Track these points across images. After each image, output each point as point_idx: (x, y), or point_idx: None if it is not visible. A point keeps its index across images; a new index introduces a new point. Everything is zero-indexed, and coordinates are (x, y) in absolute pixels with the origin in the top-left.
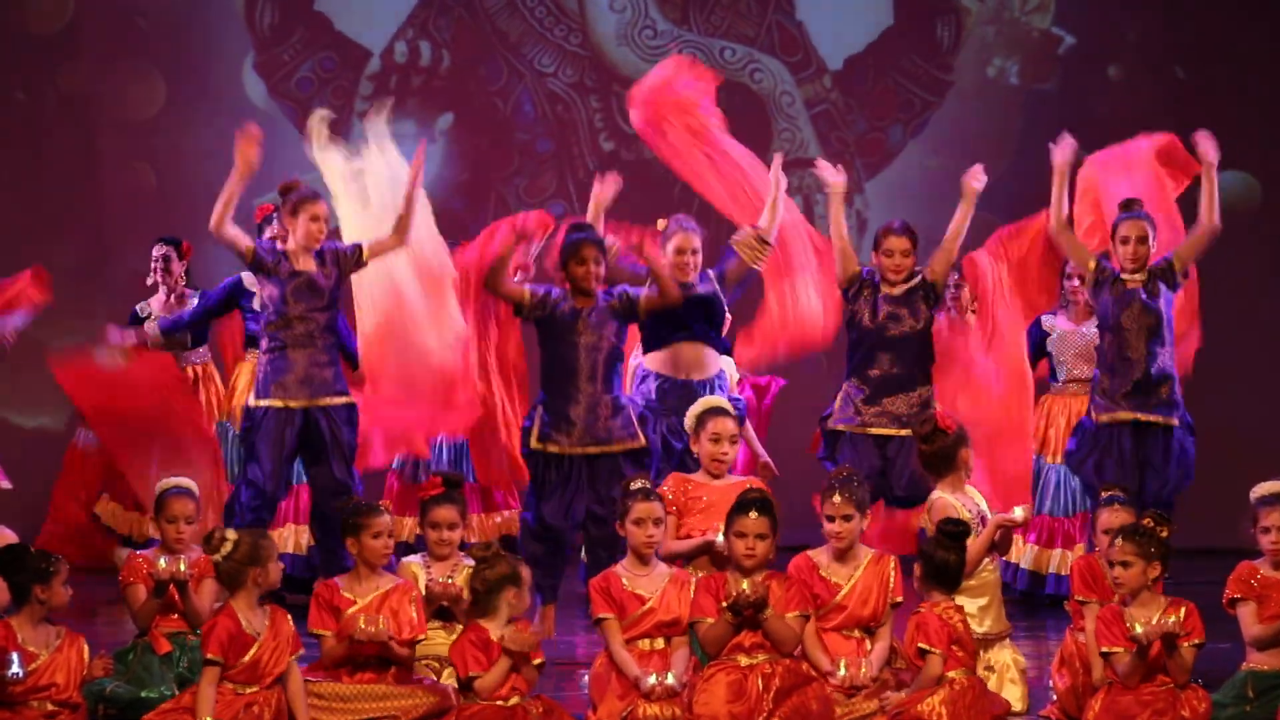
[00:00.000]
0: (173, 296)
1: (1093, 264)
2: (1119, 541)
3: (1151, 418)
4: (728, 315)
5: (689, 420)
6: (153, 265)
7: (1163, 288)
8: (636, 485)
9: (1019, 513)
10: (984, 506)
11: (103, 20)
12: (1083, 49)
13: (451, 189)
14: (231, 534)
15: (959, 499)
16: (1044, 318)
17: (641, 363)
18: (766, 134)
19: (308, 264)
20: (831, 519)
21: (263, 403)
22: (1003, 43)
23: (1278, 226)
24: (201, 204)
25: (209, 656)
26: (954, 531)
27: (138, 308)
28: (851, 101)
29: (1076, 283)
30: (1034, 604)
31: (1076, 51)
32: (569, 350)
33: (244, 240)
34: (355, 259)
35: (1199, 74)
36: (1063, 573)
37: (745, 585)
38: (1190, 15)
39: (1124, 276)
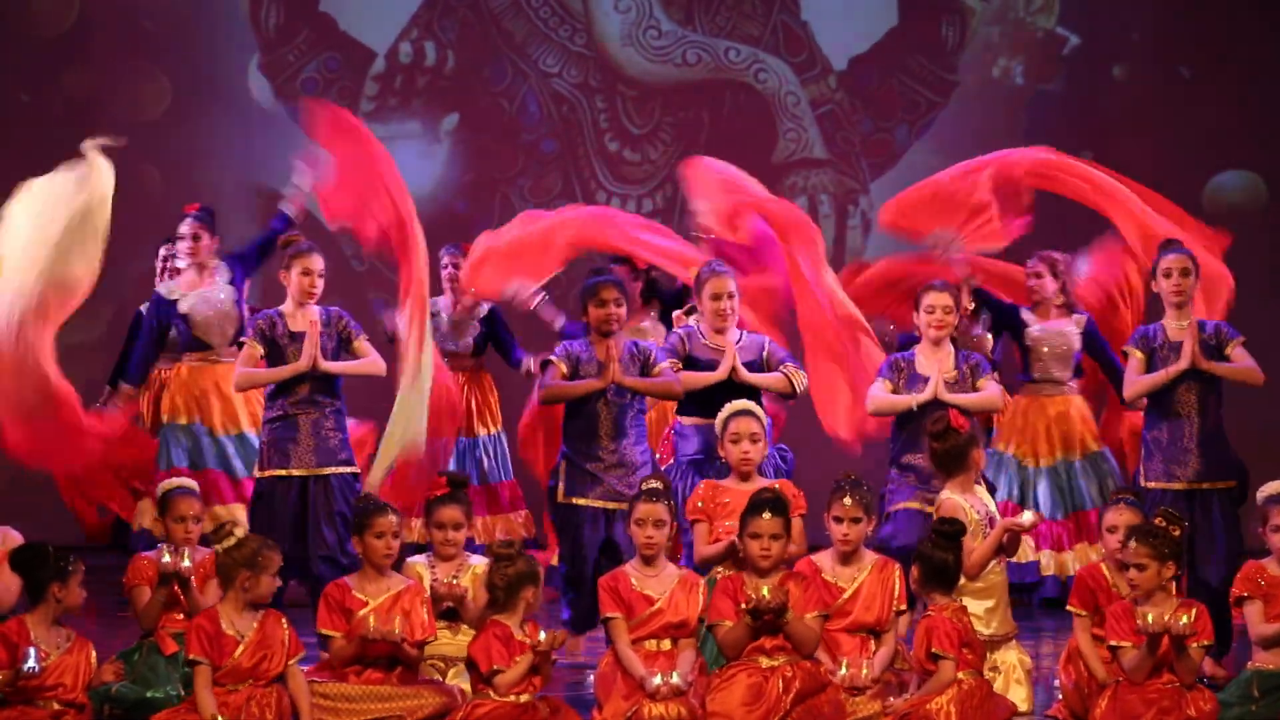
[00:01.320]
0: (203, 273)
1: (1139, 353)
2: (1133, 544)
3: (1217, 484)
4: None
5: (718, 426)
6: (179, 244)
7: (1209, 349)
8: (648, 486)
9: (1027, 517)
10: (992, 508)
11: (108, 22)
12: (1088, 49)
13: (456, 190)
14: (241, 531)
15: (968, 499)
16: (1024, 310)
17: (679, 422)
18: (771, 135)
19: (301, 324)
20: (840, 520)
21: (268, 472)
22: (1007, 43)
23: None
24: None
25: (188, 657)
26: (949, 531)
27: (163, 292)
28: (856, 102)
29: (1044, 280)
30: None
31: (1081, 51)
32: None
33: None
34: (347, 339)
35: (1205, 74)
36: (1052, 574)
37: (765, 590)
38: (1196, 14)
39: (1167, 327)
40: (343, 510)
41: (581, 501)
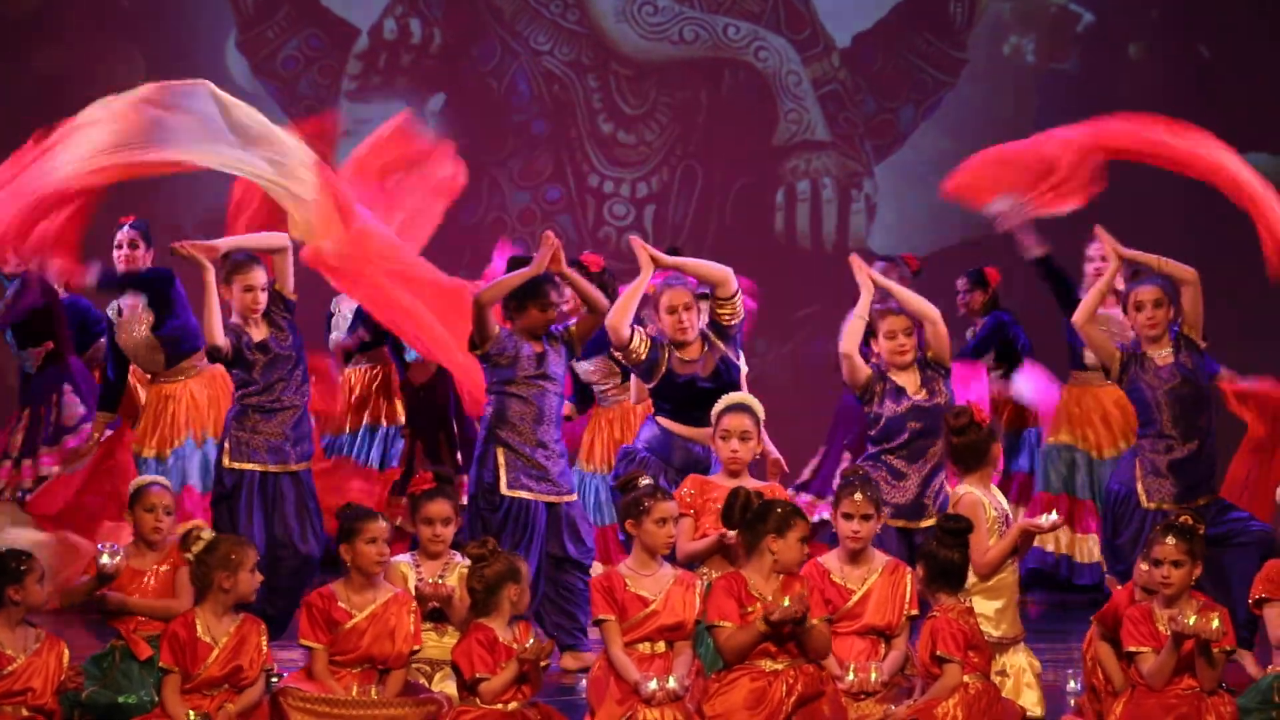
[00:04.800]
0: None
1: (1118, 355)
2: (1171, 540)
3: (1200, 501)
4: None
5: (712, 417)
6: (118, 253)
7: (1193, 357)
8: (646, 481)
9: (1045, 520)
10: (1006, 506)
11: None
12: (1102, 26)
13: None
14: (208, 534)
15: (987, 496)
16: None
17: (657, 419)
18: (772, 115)
19: (260, 333)
20: (850, 517)
21: (235, 465)
22: (1018, 20)
23: None
24: (181, 186)
25: (161, 665)
26: (954, 529)
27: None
28: (861, 81)
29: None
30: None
31: (1096, 29)
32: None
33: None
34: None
35: (1223, 52)
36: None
37: (787, 600)
38: None
39: (1149, 352)
40: (312, 507)
41: (530, 495)
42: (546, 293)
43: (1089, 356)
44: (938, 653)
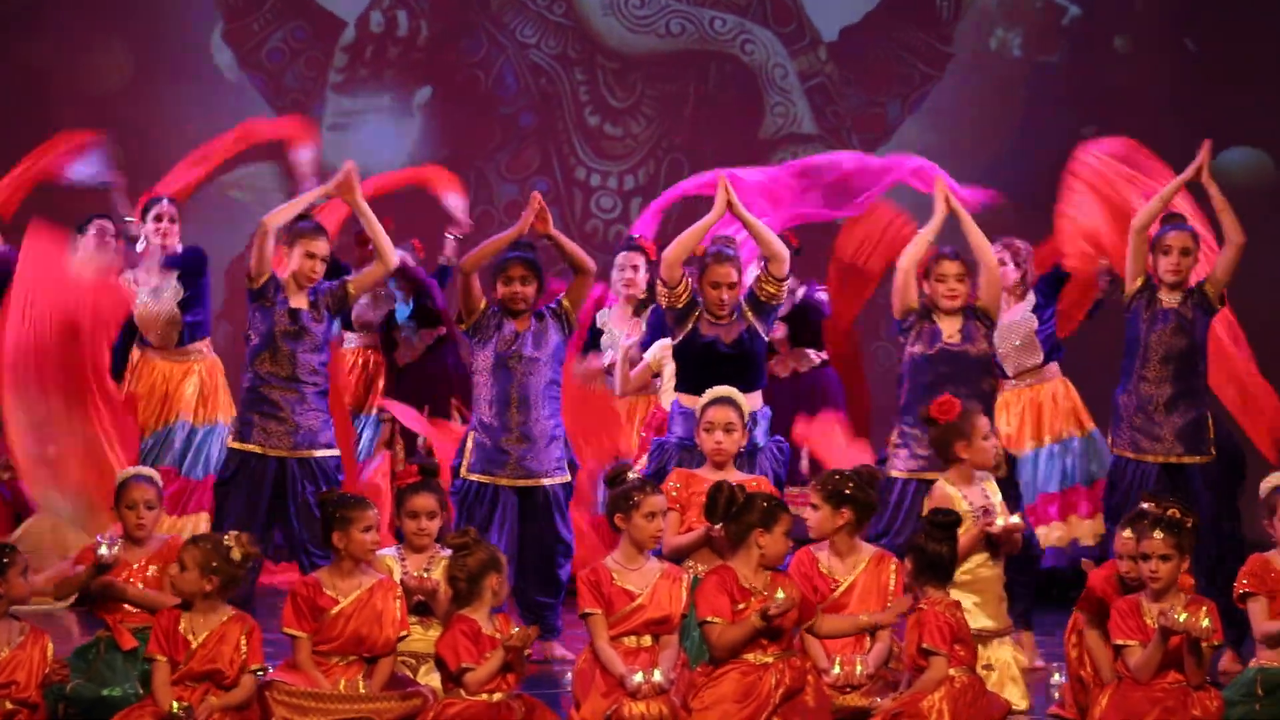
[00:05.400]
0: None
1: (1140, 281)
2: (1157, 534)
3: (1187, 459)
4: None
5: (696, 412)
6: (157, 225)
7: (1198, 313)
8: (635, 475)
9: (1000, 522)
10: (995, 501)
11: None
12: (1088, 20)
13: None
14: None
15: (963, 490)
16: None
17: (677, 400)
18: (758, 109)
19: (300, 301)
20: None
21: (238, 446)
22: (1004, 13)
23: None
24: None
25: (147, 654)
26: (942, 522)
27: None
28: (848, 74)
29: (1006, 269)
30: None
31: (1082, 22)
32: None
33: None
34: (342, 296)
35: (1210, 46)
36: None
37: (781, 594)
38: None
39: (1160, 295)
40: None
41: (488, 480)
42: (506, 265)
43: (1010, 367)
44: (924, 645)
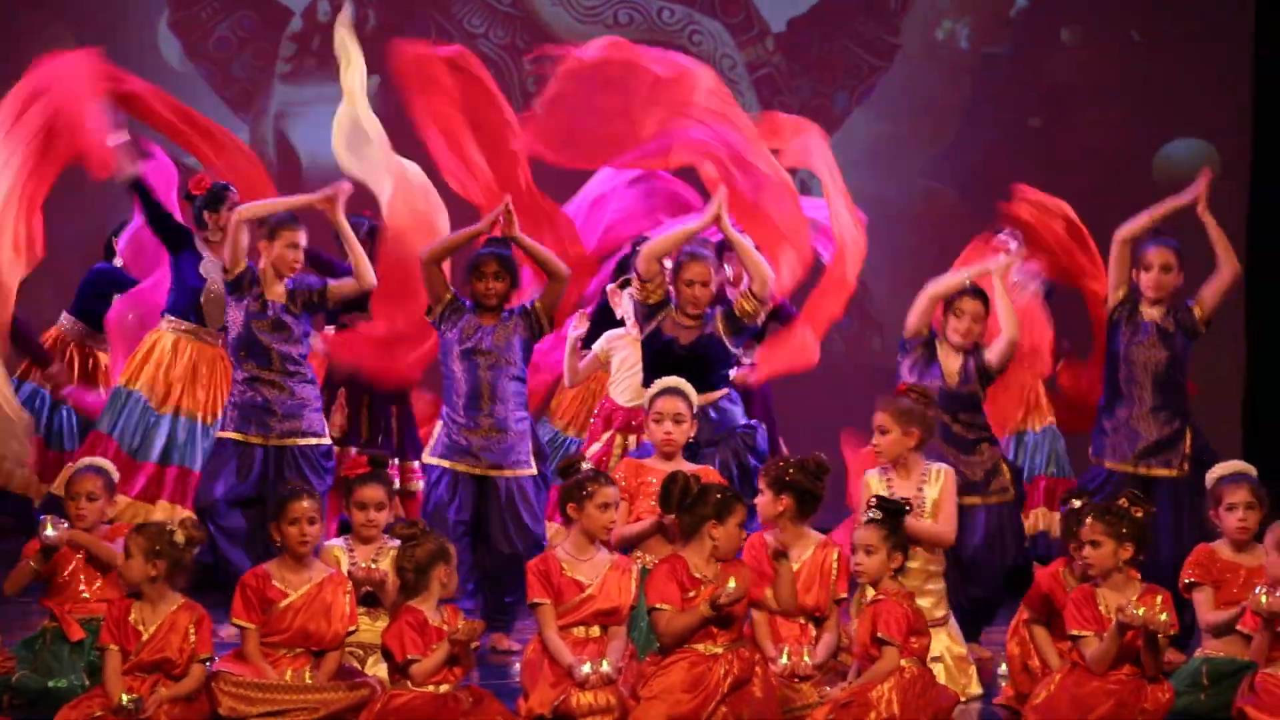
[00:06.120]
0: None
1: (1123, 291)
2: (1089, 520)
3: (1157, 471)
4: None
5: (645, 402)
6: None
7: (1180, 330)
8: (588, 466)
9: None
10: (929, 495)
11: None
12: (1035, 11)
13: None
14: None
15: (883, 479)
16: None
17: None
18: None
19: (276, 294)
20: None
21: (224, 435)
22: (952, 4)
23: (1237, 193)
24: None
25: (99, 643)
26: (890, 509)
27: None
28: (795, 65)
29: None
30: None
31: (1029, 13)
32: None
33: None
34: (319, 299)
35: (1154, 37)
36: None
37: (732, 583)
38: None
39: (1141, 308)
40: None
41: (446, 464)
42: (480, 261)
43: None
44: (879, 634)
